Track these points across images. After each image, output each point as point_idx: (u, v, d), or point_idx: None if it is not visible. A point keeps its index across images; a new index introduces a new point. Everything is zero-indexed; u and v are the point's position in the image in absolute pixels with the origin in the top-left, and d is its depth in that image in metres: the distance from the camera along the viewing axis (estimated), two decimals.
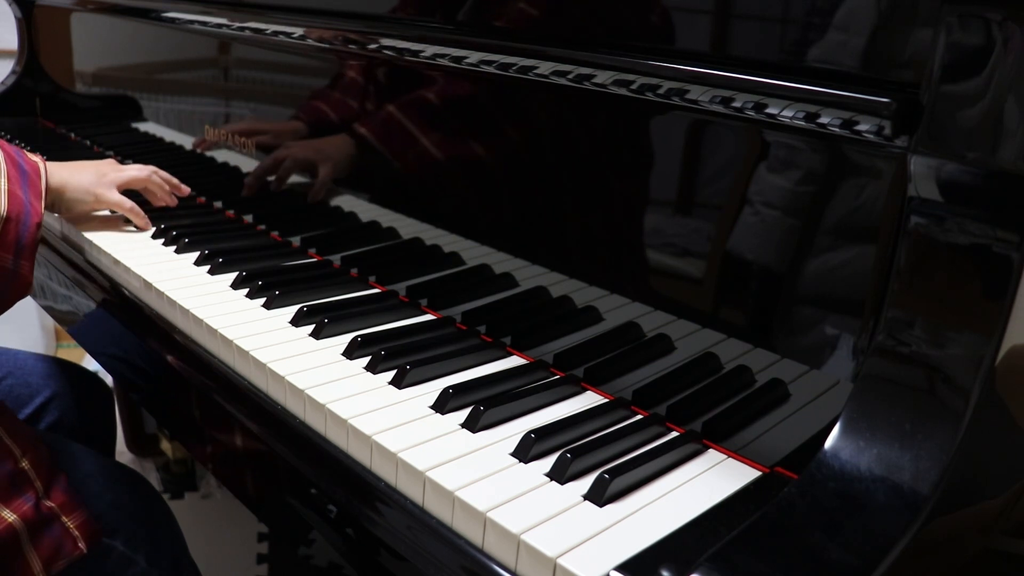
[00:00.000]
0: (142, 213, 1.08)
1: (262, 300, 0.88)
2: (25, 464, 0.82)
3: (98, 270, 1.03)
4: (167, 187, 1.13)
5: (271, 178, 1.11)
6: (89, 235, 1.06)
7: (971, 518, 0.54)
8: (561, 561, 0.52)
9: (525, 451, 0.63)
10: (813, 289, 0.62)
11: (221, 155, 1.22)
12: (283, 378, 0.73)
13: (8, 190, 0.85)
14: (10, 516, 0.78)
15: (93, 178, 1.05)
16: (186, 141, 1.31)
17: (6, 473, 0.80)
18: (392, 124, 0.96)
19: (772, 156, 0.64)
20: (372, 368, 0.75)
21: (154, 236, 1.08)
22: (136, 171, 1.10)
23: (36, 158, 0.97)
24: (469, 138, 0.87)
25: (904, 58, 0.56)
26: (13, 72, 1.75)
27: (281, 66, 1.12)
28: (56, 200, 1.02)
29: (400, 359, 0.76)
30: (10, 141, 1.53)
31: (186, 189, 1.17)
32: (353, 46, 0.95)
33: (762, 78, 0.61)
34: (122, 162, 1.20)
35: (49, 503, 0.82)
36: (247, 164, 1.16)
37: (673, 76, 0.66)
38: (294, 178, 1.09)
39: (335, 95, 1.02)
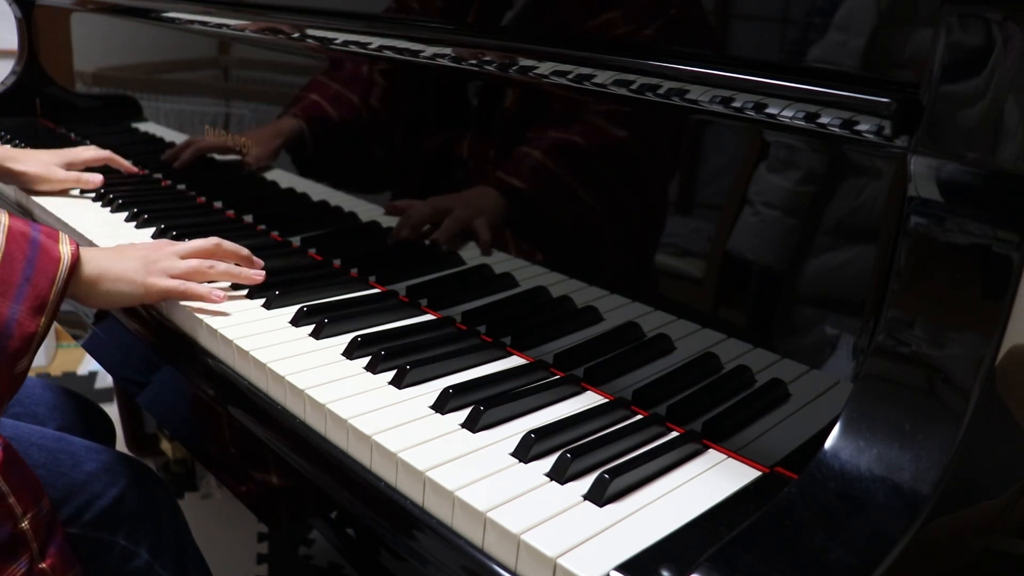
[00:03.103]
0: (214, 292, 0.85)
1: (262, 300, 0.88)
2: (25, 524, 0.76)
3: None
4: (244, 251, 0.91)
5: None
6: (89, 236, 1.06)
7: (971, 518, 0.54)
8: (561, 561, 0.52)
9: (525, 451, 0.63)
10: (813, 289, 0.62)
11: (221, 155, 1.22)
12: (283, 378, 0.73)
13: None
14: None
15: (140, 265, 0.84)
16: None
17: (5, 537, 0.76)
18: (387, 125, 0.96)
19: (772, 156, 0.64)
20: (372, 368, 0.75)
21: (154, 236, 1.08)
22: (200, 243, 0.88)
23: (66, 248, 0.77)
24: (467, 138, 0.87)
25: (904, 58, 0.56)
26: (13, 72, 1.75)
27: (281, 66, 1.12)
28: (88, 293, 0.81)
29: (400, 359, 0.76)
30: (10, 141, 1.53)
31: (259, 263, 0.93)
32: (353, 46, 0.95)
33: (762, 78, 0.61)
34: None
35: (43, 565, 0.79)
36: (247, 163, 1.16)
37: (673, 76, 0.66)
38: (292, 181, 1.09)
39: (327, 93, 1.02)
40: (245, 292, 0.90)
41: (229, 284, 0.91)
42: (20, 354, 0.70)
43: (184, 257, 0.87)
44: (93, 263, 0.82)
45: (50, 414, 1.12)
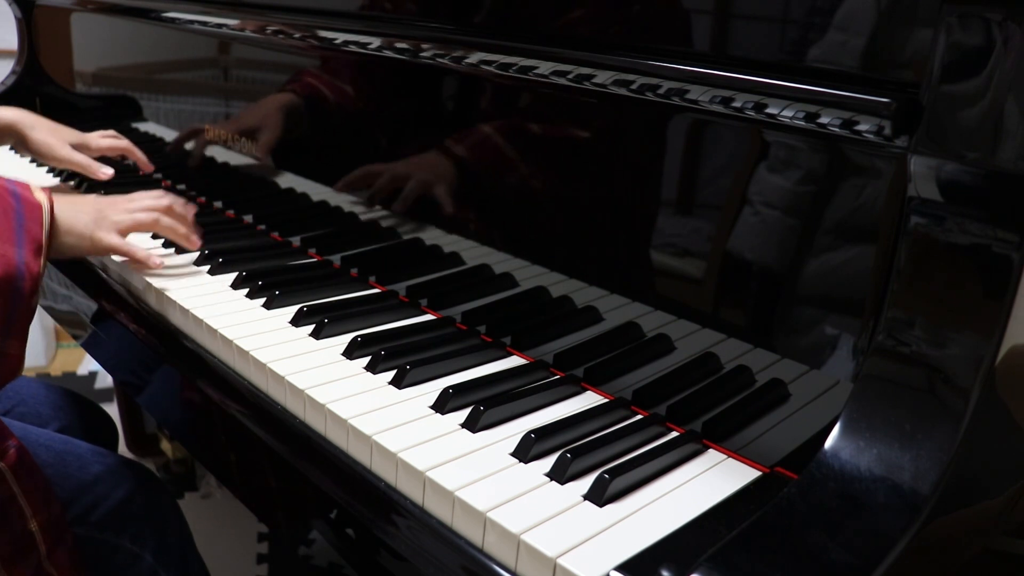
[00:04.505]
0: (153, 258, 0.90)
1: (262, 300, 0.88)
2: (34, 526, 0.79)
3: (99, 270, 1.03)
4: (182, 229, 0.94)
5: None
6: None
7: (971, 518, 0.54)
8: (561, 561, 0.52)
9: (525, 451, 0.63)
10: (813, 289, 0.62)
11: (221, 154, 1.22)
12: (283, 378, 0.73)
13: None
14: None
15: (90, 219, 0.87)
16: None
17: (14, 536, 0.78)
18: (387, 125, 0.96)
19: (772, 156, 0.64)
20: (372, 368, 0.75)
21: (153, 236, 1.08)
22: (143, 215, 0.91)
23: (41, 195, 0.82)
24: (467, 138, 0.87)
25: (904, 58, 0.56)
26: (13, 72, 1.75)
27: (281, 66, 1.12)
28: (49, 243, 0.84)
29: (400, 359, 0.76)
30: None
31: (198, 242, 0.97)
32: (352, 45, 0.95)
33: (762, 78, 0.61)
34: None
35: (50, 568, 0.80)
36: (247, 163, 1.16)
37: (673, 76, 0.66)
38: (291, 181, 1.09)
39: (328, 92, 1.02)
40: (245, 291, 0.90)
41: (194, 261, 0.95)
42: (33, 292, 0.76)
43: (134, 212, 0.92)
44: (56, 212, 0.85)
45: (54, 414, 1.13)
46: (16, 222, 0.78)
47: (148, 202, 0.93)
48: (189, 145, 1.29)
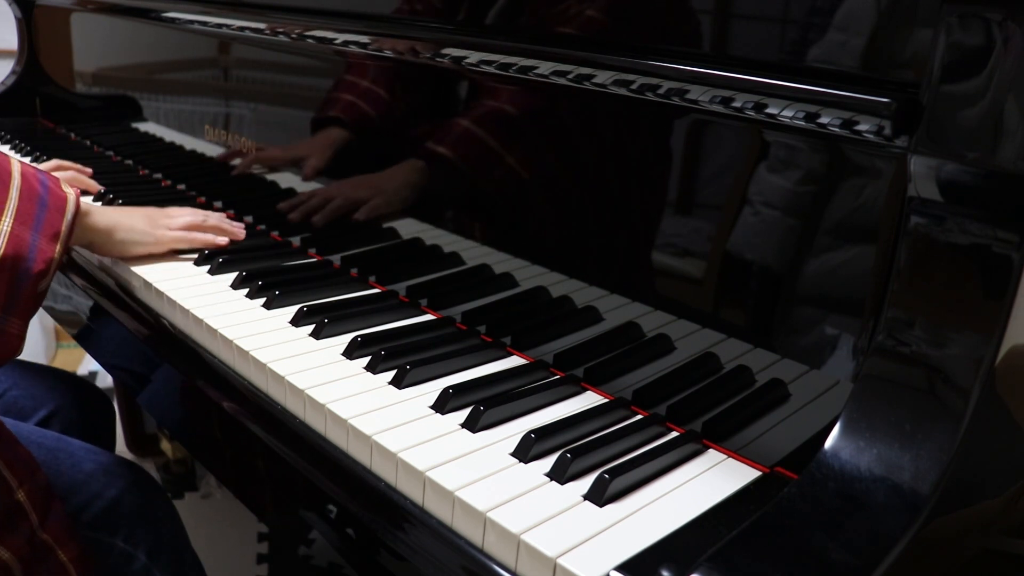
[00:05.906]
0: (213, 239, 0.99)
1: (262, 300, 0.88)
2: (21, 496, 0.79)
3: (99, 270, 1.03)
4: (227, 225, 1.03)
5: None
6: None
7: (971, 518, 0.54)
8: (561, 561, 0.52)
9: (525, 451, 0.63)
10: (813, 289, 0.62)
11: (220, 154, 1.22)
12: (283, 378, 0.73)
13: (9, 232, 0.76)
14: (4, 554, 0.76)
15: (145, 221, 0.97)
16: (186, 141, 1.31)
17: (1, 507, 0.77)
18: (388, 124, 0.96)
19: (772, 156, 0.64)
20: (372, 368, 0.75)
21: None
22: (190, 216, 1.01)
23: (69, 189, 0.87)
24: (468, 138, 0.87)
25: (904, 58, 0.56)
26: (13, 72, 1.75)
27: (281, 66, 1.12)
28: (105, 241, 0.94)
29: (400, 359, 0.76)
30: (9, 141, 1.53)
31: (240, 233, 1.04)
32: (352, 46, 0.95)
33: (762, 78, 0.61)
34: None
35: (44, 535, 0.80)
36: (246, 163, 1.16)
37: (673, 76, 0.66)
38: (292, 181, 1.09)
39: (338, 94, 1.02)
40: (245, 291, 0.90)
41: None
42: (42, 275, 0.78)
43: (182, 216, 1.01)
44: (106, 216, 0.95)
45: (48, 395, 1.12)
46: (38, 207, 0.81)
47: (189, 209, 1.03)
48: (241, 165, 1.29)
